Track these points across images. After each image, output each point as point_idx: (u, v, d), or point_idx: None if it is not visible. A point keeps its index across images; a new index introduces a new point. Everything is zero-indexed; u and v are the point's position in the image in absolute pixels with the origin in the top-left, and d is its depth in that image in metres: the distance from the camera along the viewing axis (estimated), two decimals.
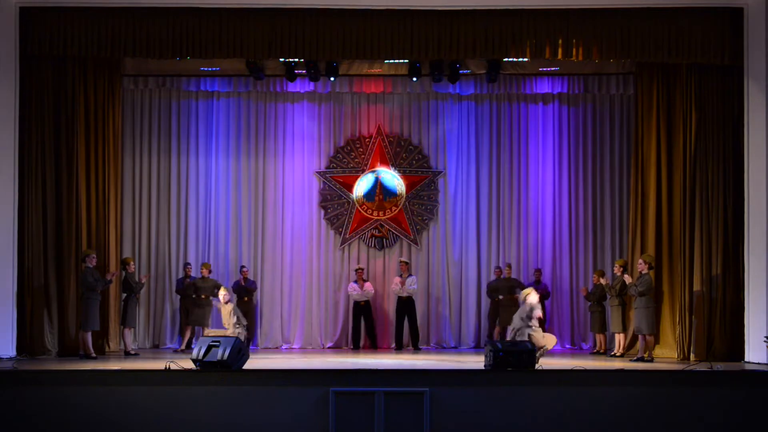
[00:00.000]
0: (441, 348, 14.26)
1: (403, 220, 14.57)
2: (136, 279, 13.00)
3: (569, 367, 9.52)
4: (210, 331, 12.24)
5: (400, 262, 14.26)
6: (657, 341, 12.24)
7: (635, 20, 11.63)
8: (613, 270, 12.99)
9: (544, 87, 14.51)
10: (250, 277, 14.12)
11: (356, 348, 13.99)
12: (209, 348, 8.91)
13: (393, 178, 14.58)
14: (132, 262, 13.03)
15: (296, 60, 13.20)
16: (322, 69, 13.61)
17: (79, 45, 11.60)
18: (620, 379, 9.01)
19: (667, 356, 12.22)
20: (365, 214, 14.58)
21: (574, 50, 11.66)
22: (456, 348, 14.30)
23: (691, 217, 12.14)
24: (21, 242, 11.75)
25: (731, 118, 11.93)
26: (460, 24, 11.66)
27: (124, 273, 12.84)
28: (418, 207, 14.61)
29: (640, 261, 12.03)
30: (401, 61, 13.20)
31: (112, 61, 12.71)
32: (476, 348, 14.12)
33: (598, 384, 8.82)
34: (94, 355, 11.81)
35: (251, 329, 13.87)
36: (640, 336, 11.89)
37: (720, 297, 11.84)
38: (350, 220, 14.56)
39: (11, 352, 11.36)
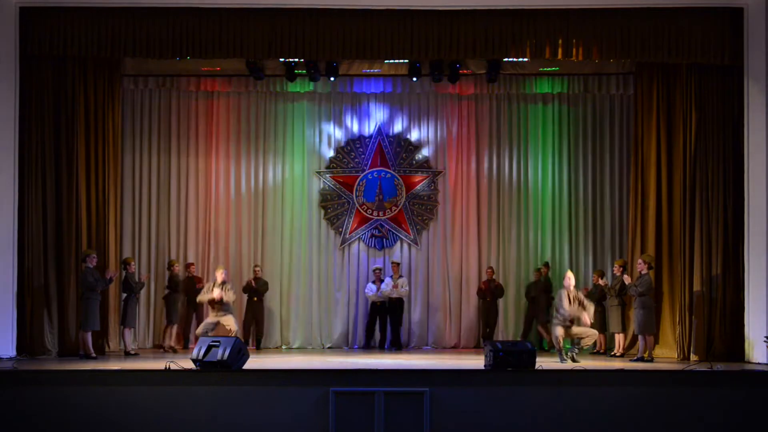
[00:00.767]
0: (440, 348, 14.26)
1: (403, 220, 14.57)
2: (136, 279, 13.00)
3: (569, 367, 9.53)
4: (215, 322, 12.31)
5: (392, 263, 14.25)
6: (657, 341, 12.23)
7: (635, 20, 11.64)
8: (612, 270, 13.00)
9: (544, 87, 14.49)
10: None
11: (368, 347, 13.92)
12: (209, 348, 8.92)
13: (393, 178, 14.58)
14: (132, 262, 13.03)
15: (296, 60, 13.20)
16: (322, 69, 13.60)
17: (79, 45, 11.62)
18: (620, 379, 9.02)
19: (667, 356, 12.22)
20: (365, 214, 14.57)
21: (574, 50, 11.67)
22: (456, 348, 14.29)
23: (691, 217, 12.14)
24: (21, 242, 11.76)
25: (731, 118, 11.93)
26: (460, 24, 11.67)
27: (124, 273, 12.85)
28: (418, 207, 14.60)
29: (640, 261, 12.02)
30: (401, 61, 13.20)
31: (112, 61, 12.70)
32: (476, 348, 14.12)
33: (598, 384, 8.83)
34: (94, 355, 11.81)
35: (261, 330, 13.88)
36: (640, 336, 11.88)
37: (720, 297, 11.84)
38: (350, 220, 14.55)
39: (11, 352, 11.37)
